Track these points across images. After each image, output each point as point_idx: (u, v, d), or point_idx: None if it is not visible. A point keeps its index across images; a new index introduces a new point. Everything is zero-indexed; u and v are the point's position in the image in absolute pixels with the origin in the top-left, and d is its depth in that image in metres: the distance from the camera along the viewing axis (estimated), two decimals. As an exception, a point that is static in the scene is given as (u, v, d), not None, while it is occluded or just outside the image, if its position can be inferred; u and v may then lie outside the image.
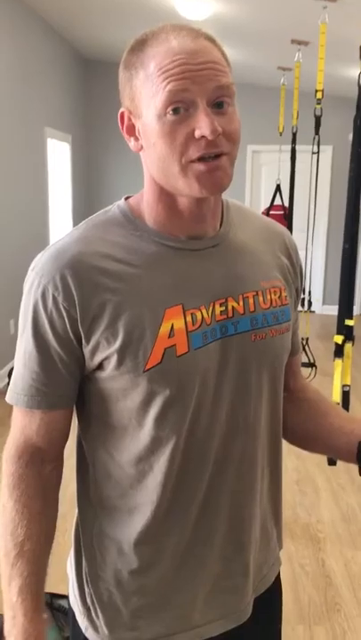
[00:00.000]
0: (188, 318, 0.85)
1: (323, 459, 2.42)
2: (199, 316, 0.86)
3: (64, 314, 0.84)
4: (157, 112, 0.79)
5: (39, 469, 0.91)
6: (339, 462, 2.30)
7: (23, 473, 0.90)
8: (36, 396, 0.88)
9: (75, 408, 0.94)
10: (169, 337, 0.84)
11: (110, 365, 0.84)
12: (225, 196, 0.94)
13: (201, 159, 0.80)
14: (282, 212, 5.09)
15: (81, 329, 0.84)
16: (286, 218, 4.78)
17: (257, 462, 0.95)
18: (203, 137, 0.78)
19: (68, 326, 0.84)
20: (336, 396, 2.41)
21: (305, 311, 4.04)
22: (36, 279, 0.86)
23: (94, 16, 5.09)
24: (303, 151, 4.75)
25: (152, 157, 0.84)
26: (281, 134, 5.33)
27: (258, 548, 1.00)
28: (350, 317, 2.41)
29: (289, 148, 4.99)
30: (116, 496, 0.91)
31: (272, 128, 5.27)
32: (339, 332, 2.39)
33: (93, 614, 0.95)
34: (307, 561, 2.52)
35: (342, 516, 2.86)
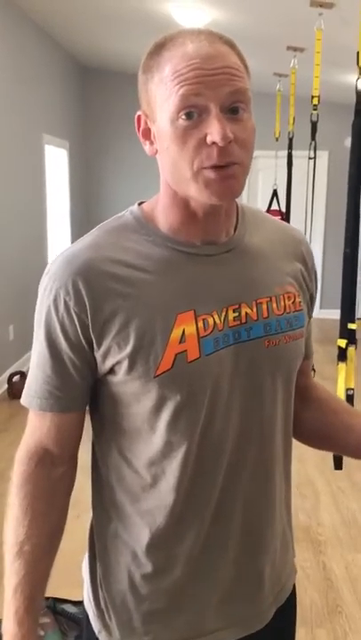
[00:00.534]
0: (200, 324, 0.85)
1: (323, 462, 2.43)
2: (211, 322, 0.86)
3: (75, 319, 0.84)
4: (170, 116, 0.79)
5: (48, 472, 0.91)
6: (346, 464, 2.31)
7: (31, 474, 0.91)
8: (49, 399, 0.89)
9: (89, 412, 0.94)
10: (180, 342, 0.83)
11: (122, 370, 0.85)
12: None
13: (213, 167, 0.79)
14: (279, 217, 5.12)
15: (92, 334, 0.84)
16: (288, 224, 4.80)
17: (273, 468, 0.95)
18: (214, 143, 0.77)
19: (79, 331, 0.84)
20: (341, 400, 2.42)
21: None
22: (49, 284, 0.86)
23: (92, 24, 5.13)
24: (299, 157, 4.78)
25: (165, 162, 0.84)
26: (277, 140, 5.37)
27: (277, 556, 0.99)
28: (353, 321, 2.42)
29: (285, 153, 5.03)
30: (130, 500, 0.91)
31: (268, 134, 5.30)
32: (342, 336, 2.40)
33: (107, 617, 0.95)
34: (308, 564, 2.52)
35: (343, 520, 2.86)
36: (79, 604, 1.32)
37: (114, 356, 0.84)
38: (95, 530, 0.98)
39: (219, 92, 0.78)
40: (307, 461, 3.25)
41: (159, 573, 0.91)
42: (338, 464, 2.31)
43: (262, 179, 6.77)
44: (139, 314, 0.84)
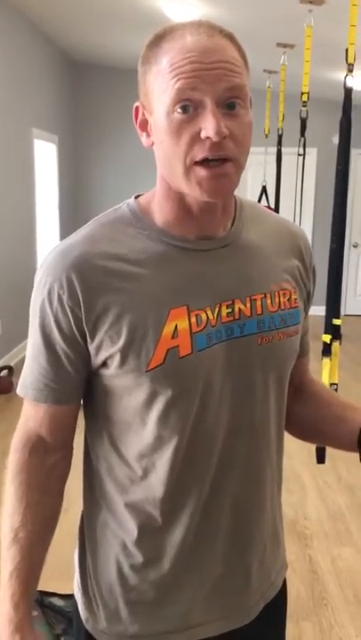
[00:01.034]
0: (193, 319, 0.85)
1: (309, 456, 2.44)
2: (204, 317, 0.85)
3: (69, 312, 0.84)
4: (166, 109, 0.78)
5: (42, 459, 0.92)
6: (325, 460, 2.33)
7: (25, 462, 0.92)
8: (43, 391, 0.89)
9: (82, 403, 0.95)
10: (172, 337, 0.83)
11: (114, 364, 0.85)
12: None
13: (205, 164, 0.78)
14: (268, 214, 5.13)
15: (85, 327, 0.84)
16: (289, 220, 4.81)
17: (265, 465, 0.95)
18: (208, 138, 0.77)
19: (72, 325, 0.85)
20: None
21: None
22: (43, 277, 0.87)
23: (83, 19, 5.10)
24: (288, 153, 4.79)
25: (160, 155, 0.84)
26: (267, 136, 5.37)
27: (266, 553, 1.00)
28: (338, 317, 2.44)
29: (274, 150, 5.04)
30: (119, 491, 0.92)
31: (258, 130, 5.28)
32: (326, 332, 2.42)
33: (94, 606, 0.96)
34: (294, 557, 2.55)
35: (328, 514, 2.89)
36: (67, 597, 1.33)
37: (106, 350, 0.85)
38: (85, 519, 0.98)
39: (215, 87, 0.77)
40: (293, 456, 3.27)
41: (147, 565, 0.92)
42: (321, 458, 2.34)
43: (251, 175, 6.78)
44: (132, 308, 0.84)
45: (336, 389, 2.39)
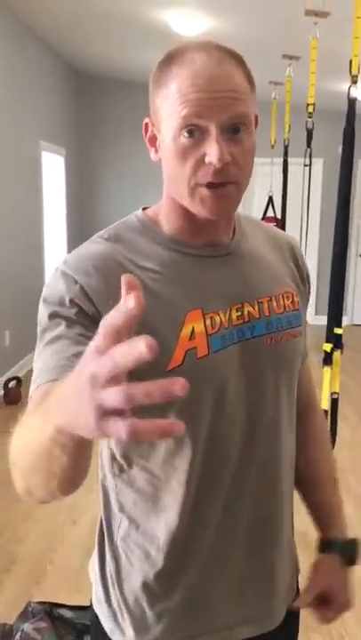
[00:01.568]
0: (208, 322, 0.87)
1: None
2: (218, 320, 0.88)
3: (90, 306, 0.81)
4: (173, 132, 0.82)
5: None
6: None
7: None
8: (52, 371, 0.78)
9: None
10: (190, 339, 0.85)
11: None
12: None
13: (208, 185, 0.82)
14: (275, 224, 5.15)
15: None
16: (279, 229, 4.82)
17: (280, 463, 0.97)
18: (211, 163, 0.81)
19: (93, 319, 0.80)
20: (325, 404, 2.44)
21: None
22: (62, 271, 0.85)
23: (89, 31, 5.16)
24: (295, 164, 4.81)
25: (167, 172, 0.88)
26: (273, 147, 5.39)
27: (286, 554, 1.01)
28: (339, 326, 2.44)
29: (280, 160, 5.06)
30: (141, 499, 0.92)
31: (264, 141, 5.32)
32: (328, 340, 2.43)
33: (120, 617, 0.95)
34: (304, 568, 2.53)
35: (338, 525, 2.87)
36: (76, 608, 1.32)
37: None
38: (106, 530, 0.98)
39: (220, 115, 0.80)
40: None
41: (174, 571, 0.92)
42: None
43: (258, 185, 6.81)
44: (150, 310, 0.81)
45: (337, 399, 2.39)
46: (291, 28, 3.99)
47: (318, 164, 6.79)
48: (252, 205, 6.91)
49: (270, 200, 5.65)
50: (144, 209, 0.96)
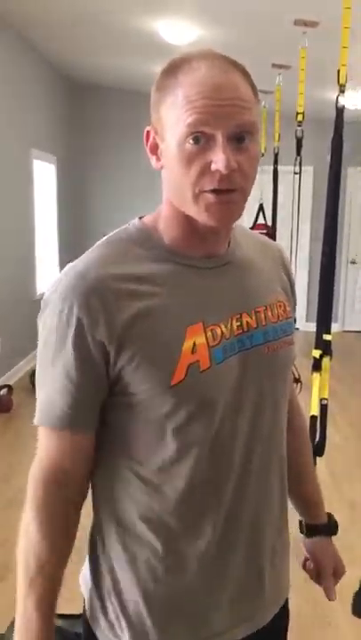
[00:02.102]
0: (209, 334, 0.88)
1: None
2: (219, 332, 0.89)
3: (89, 336, 0.84)
4: (178, 139, 0.82)
5: (65, 493, 0.91)
6: (324, 469, 2.33)
7: (49, 497, 0.90)
8: (66, 418, 0.88)
9: None
10: (192, 353, 0.86)
11: (135, 382, 0.85)
12: None
13: (213, 191, 0.83)
14: (265, 232, 5.18)
15: (107, 349, 0.84)
16: (270, 237, 4.84)
17: (273, 469, 0.98)
18: (217, 170, 0.81)
19: (92, 348, 0.84)
20: (314, 410, 2.45)
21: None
22: (59, 303, 0.86)
23: (80, 40, 5.18)
24: (285, 172, 4.84)
25: (170, 179, 0.88)
26: (263, 155, 5.42)
27: (278, 557, 1.02)
28: (328, 332, 2.45)
29: (271, 168, 5.08)
30: (139, 510, 0.92)
31: (255, 149, 5.34)
32: (317, 347, 2.44)
33: (117, 628, 0.94)
34: (297, 574, 2.53)
35: (330, 531, 2.87)
36: (68, 617, 1.32)
37: (128, 370, 0.85)
38: (99, 544, 0.97)
39: (226, 123, 0.81)
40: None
41: (173, 578, 0.92)
42: (319, 451, 2.35)
43: (248, 193, 6.84)
44: (151, 327, 0.85)
45: (326, 405, 2.41)
46: (280, 38, 4.03)
47: (309, 172, 6.83)
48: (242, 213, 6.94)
49: (261, 208, 5.67)
50: (140, 217, 0.95)
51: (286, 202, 4.70)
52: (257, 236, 1.08)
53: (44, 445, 0.92)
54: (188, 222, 0.89)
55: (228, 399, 0.89)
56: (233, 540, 0.94)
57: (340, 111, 2.37)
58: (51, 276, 5.57)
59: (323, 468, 3.03)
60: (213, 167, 0.81)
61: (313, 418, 2.41)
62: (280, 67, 4.45)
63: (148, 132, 0.89)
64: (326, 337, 2.43)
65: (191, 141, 0.81)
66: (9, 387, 4.46)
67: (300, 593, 2.41)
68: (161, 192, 0.93)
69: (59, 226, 6.51)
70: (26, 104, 5.42)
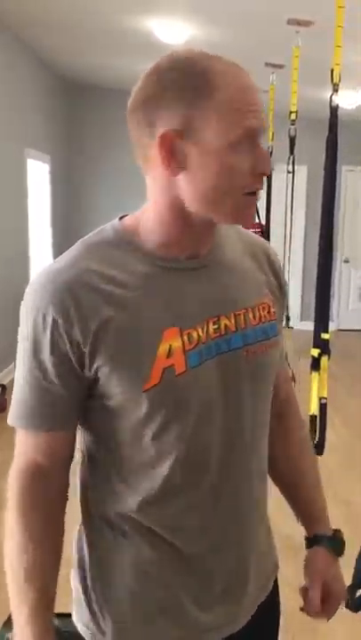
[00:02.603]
0: (185, 338, 0.86)
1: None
2: (195, 335, 0.87)
3: (65, 337, 0.83)
4: (231, 141, 0.81)
5: (45, 492, 0.91)
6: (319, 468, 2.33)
7: (29, 497, 0.89)
8: (41, 418, 0.88)
9: (78, 424, 0.94)
10: (167, 357, 0.85)
11: (111, 385, 0.85)
12: None
13: (252, 193, 0.85)
14: (259, 230, 5.18)
15: (82, 350, 0.84)
16: (264, 235, 4.85)
17: (252, 471, 0.98)
18: (263, 173, 0.84)
19: (68, 349, 0.84)
20: (313, 409, 2.46)
21: (284, 327, 4.09)
22: (33, 303, 0.86)
23: (75, 39, 5.17)
24: (279, 171, 4.84)
25: (196, 183, 0.83)
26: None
27: (261, 557, 1.03)
28: (326, 331, 2.46)
29: (265, 167, 5.08)
30: (124, 511, 0.92)
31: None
32: (315, 346, 2.44)
33: (102, 623, 0.95)
34: (290, 571, 2.52)
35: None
36: (61, 616, 1.31)
37: (103, 372, 0.85)
38: (87, 549, 0.97)
39: (261, 125, 0.84)
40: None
41: (160, 580, 0.93)
42: (319, 450, 2.36)
43: (243, 192, 6.84)
44: (126, 330, 0.84)
45: (325, 404, 2.41)
46: (274, 37, 4.03)
47: (303, 171, 6.84)
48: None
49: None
50: (121, 217, 0.94)
51: (280, 201, 4.71)
52: (247, 234, 1.05)
53: (19, 445, 0.92)
54: (183, 224, 0.87)
55: (204, 403, 0.89)
56: (215, 537, 0.94)
57: (334, 110, 2.37)
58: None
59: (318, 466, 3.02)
60: (260, 169, 0.83)
61: (312, 417, 2.42)
62: (273, 66, 4.46)
63: (168, 136, 0.81)
64: (324, 336, 2.43)
65: (246, 144, 0.82)
66: (3, 386, 4.45)
67: (294, 589, 2.42)
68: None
69: (52, 225, 6.49)
70: (20, 103, 5.40)
